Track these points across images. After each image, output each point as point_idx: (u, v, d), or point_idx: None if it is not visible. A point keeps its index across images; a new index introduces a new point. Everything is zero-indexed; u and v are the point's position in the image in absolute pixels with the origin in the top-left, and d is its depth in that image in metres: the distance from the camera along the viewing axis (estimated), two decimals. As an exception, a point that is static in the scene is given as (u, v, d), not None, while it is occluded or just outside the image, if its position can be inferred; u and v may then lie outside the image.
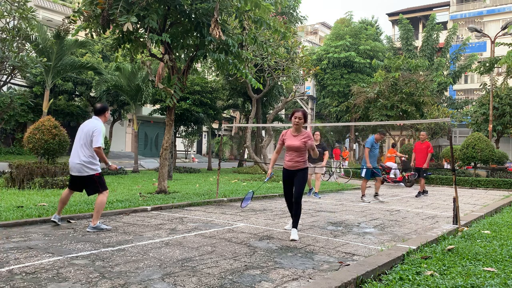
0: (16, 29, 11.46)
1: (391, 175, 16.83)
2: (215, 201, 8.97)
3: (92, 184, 5.74)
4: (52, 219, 5.87)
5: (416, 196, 11.86)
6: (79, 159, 5.68)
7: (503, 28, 20.79)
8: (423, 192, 12.31)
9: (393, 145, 19.30)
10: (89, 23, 8.45)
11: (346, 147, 23.32)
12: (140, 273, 3.73)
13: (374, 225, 6.67)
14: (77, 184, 5.85)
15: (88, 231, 5.54)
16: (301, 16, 24.57)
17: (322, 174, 11.20)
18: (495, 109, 21.49)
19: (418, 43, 36.27)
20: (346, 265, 4.11)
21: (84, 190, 5.90)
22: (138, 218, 6.67)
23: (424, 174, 12.37)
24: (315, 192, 11.01)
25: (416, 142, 12.19)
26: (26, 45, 12.86)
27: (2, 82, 12.94)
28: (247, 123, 24.23)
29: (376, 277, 3.78)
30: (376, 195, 10.48)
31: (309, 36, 49.75)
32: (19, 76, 13.88)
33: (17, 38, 11.50)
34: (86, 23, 8.46)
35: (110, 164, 5.89)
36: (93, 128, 5.71)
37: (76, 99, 27.87)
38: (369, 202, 10.09)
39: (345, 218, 7.32)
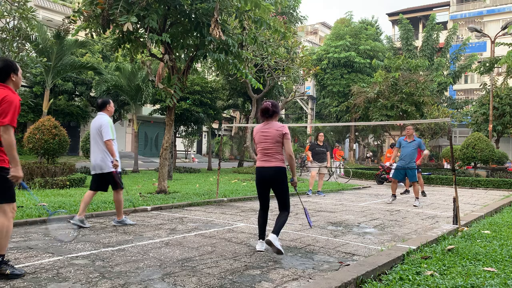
0: (16, 29, 11.46)
1: (391, 175, 16.80)
2: (215, 201, 8.96)
3: (112, 180, 5.90)
4: (72, 222, 5.77)
5: (401, 194, 12.08)
6: (99, 157, 5.83)
7: (503, 28, 20.79)
8: (405, 191, 12.33)
9: (392, 145, 19.28)
10: (89, 23, 8.45)
11: (339, 146, 23.33)
12: (140, 273, 3.73)
13: (374, 225, 6.67)
14: (99, 183, 5.94)
15: (113, 225, 5.99)
16: (301, 16, 24.58)
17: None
18: (495, 109, 21.49)
19: (418, 43, 36.28)
20: (346, 265, 4.11)
21: (110, 187, 6.03)
22: (138, 218, 6.67)
23: (419, 169, 12.29)
24: (319, 191, 11.42)
25: None
26: (26, 45, 12.85)
27: (2, 82, 12.92)
28: (247, 123, 24.24)
29: (376, 277, 3.78)
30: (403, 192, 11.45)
31: (309, 36, 49.76)
32: (19, 76, 13.82)
33: (17, 38, 11.50)
34: (86, 23, 8.46)
35: (116, 159, 5.82)
36: (100, 123, 5.85)
37: (76, 99, 27.86)
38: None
39: (345, 218, 7.32)
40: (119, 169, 5.90)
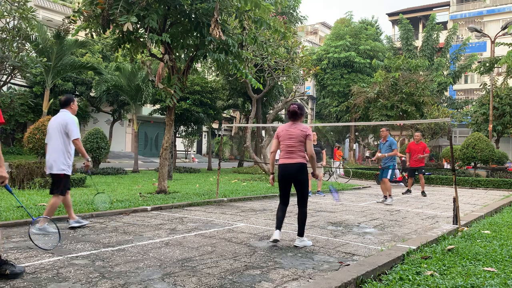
0: (16, 29, 11.46)
1: None
2: (215, 201, 8.96)
3: (57, 182, 5.44)
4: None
5: (403, 194, 12.13)
6: (53, 156, 5.43)
7: (503, 28, 20.78)
8: (407, 191, 12.32)
9: None
10: (89, 23, 8.45)
11: (339, 146, 23.32)
12: (140, 273, 3.73)
13: (374, 225, 6.67)
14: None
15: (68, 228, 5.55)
16: (301, 16, 24.58)
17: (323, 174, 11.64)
18: (495, 109, 21.48)
19: (418, 43, 36.26)
20: (346, 265, 4.11)
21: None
22: (138, 218, 6.67)
23: (423, 171, 12.45)
24: (318, 191, 11.49)
25: (410, 143, 12.17)
26: (26, 45, 12.86)
27: (2, 82, 12.94)
28: (247, 123, 24.23)
29: (376, 277, 3.78)
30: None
31: (309, 36, 49.74)
32: (19, 76, 13.86)
33: (17, 38, 11.51)
34: (86, 23, 8.46)
35: (88, 159, 5.65)
36: (65, 120, 5.46)
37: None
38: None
39: (345, 218, 7.32)
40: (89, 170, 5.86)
